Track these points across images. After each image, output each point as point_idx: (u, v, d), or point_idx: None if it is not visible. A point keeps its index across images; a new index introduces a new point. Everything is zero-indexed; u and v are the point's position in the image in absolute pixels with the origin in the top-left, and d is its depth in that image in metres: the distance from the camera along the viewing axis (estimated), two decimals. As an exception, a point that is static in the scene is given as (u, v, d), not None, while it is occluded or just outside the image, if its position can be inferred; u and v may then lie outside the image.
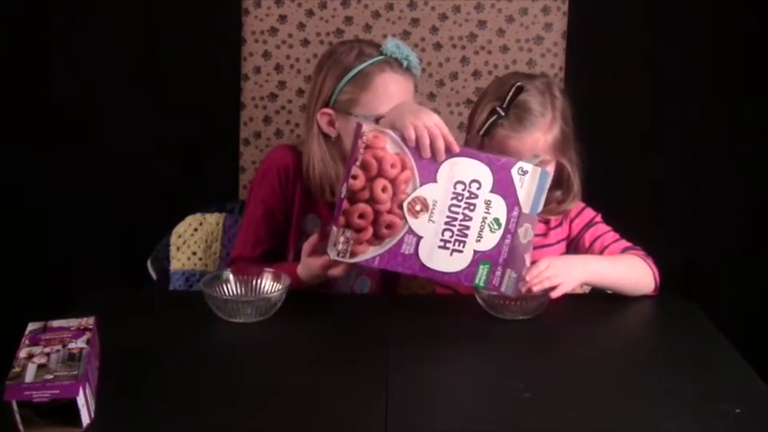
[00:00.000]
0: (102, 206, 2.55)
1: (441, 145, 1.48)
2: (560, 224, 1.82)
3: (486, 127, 1.67)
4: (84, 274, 2.51)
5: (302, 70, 2.47)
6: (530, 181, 1.50)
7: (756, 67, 2.45)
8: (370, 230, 1.50)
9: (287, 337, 1.53)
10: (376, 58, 1.75)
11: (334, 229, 1.50)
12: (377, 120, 1.71)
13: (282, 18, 2.46)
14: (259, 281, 1.64)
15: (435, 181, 1.49)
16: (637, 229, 2.56)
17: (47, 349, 1.24)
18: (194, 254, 2.03)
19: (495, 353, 1.48)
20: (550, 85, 1.75)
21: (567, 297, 1.84)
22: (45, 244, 2.59)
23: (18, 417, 1.15)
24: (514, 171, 1.50)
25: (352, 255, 1.51)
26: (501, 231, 1.50)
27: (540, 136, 1.68)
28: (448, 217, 1.49)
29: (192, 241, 2.03)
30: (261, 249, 1.83)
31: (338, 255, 1.51)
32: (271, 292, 1.61)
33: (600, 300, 1.86)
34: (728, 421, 1.22)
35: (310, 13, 2.45)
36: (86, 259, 2.57)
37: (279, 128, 2.53)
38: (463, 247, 1.50)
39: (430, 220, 1.49)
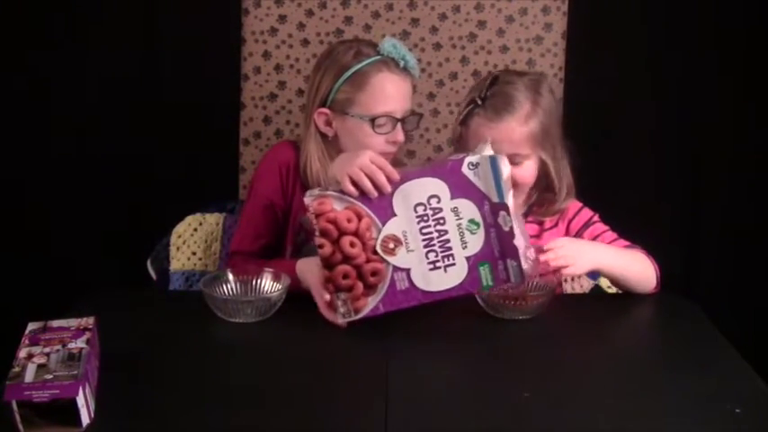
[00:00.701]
0: (103, 206, 2.55)
1: (382, 179, 1.49)
2: (556, 225, 1.82)
3: (462, 116, 1.71)
4: (84, 274, 2.51)
5: (302, 70, 2.47)
6: (484, 171, 1.48)
7: (757, 67, 2.45)
8: (360, 285, 1.51)
9: (287, 336, 1.53)
10: (373, 58, 1.75)
11: (332, 297, 1.53)
12: (372, 120, 1.73)
13: (282, 18, 2.46)
14: (259, 281, 1.64)
15: (395, 215, 1.50)
16: (637, 229, 2.56)
17: (47, 349, 1.24)
18: (194, 254, 2.03)
19: (494, 353, 1.48)
20: (538, 83, 1.75)
21: (568, 297, 1.85)
22: (45, 244, 2.59)
23: (18, 417, 1.15)
24: (465, 169, 1.49)
25: (356, 311, 1.52)
26: (482, 229, 1.49)
27: (516, 126, 1.68)
28: (424, 240, 1.49)
29: (191, 241, 2.03)
30: (260, 244, 1.83)
31: (344, 317, 1.53)
32: (271, 292, 1.61)
33: (600, 300, 1.87)
34: (728, 421, 1.22)
35: (310, 13, 2.45)
36: (86, 259, 2.57)
37: (279, 128, 2.53)
38: (453, 259, 1.49)
39: (408, 251, 1.50)
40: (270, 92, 2.51)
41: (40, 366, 1.20)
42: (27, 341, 1.27)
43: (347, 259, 1.50)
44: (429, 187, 1.49)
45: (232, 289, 1.63)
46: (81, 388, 1.16)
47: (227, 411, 1.24)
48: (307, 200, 1.53)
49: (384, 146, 1.74)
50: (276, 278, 1.63)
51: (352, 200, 1.51)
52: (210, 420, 1.22)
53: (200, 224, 2.05)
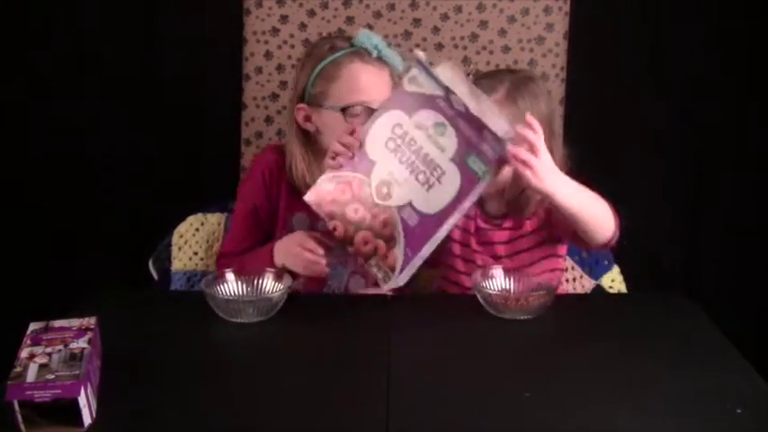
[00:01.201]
0: (104, 206, 2.55)
1: (350, 140, 1.57)
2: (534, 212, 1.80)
3: None
4: (86, 274, 2.51)
5: (303, 70, 2.47)
6: (421, 76, 1.52)
7: (759, 67, 2.45)
8: (381, 243, 1.54)
9: (288, 337, 1.53)
10: (344, 51, 1.76)
11: (368, 269, 1.57)
12: (344, 109, 1.74)
13: (284, 18, 2.46)
14: (260, 281, 1.64)
15: (374, 162, 1.55)
16: (637, 229, 2.56)
17: (48, 349, 1.24)
18: (196, 254, 2.03)
19: (495, 353, 1.48)
20: (523, 82, 1.73)
21: (568, 297, 1.85)
22: (46, 244, 2.59)
23: (19, 417, 1.15)
24: (407, 87, 1.54)
25: (392, 269, 1.54)
26: (448, 126, 1.50)
27: None
28: (407, 168, 1.52)
29: (193, 241, 2.04)
30: (244, 246, 1.86)
31: (386, 282, 1.55)
32: (272, 292, 1.61)
33: (600, 300, 1.87)
34: (729, 421, 1.22)
35: (312, 13, 2.45)
36: (88, 259, 2.57)
37: (280, 128, 2.52)
38: (441, 168, 1.50)
39: (400, 185, 1.53)
40: (271, 92, 2.51)
41: (42, 366, 1.20)
42: (29, 341, 1.27)
43: (358, 227, 1.54)
44: (389, 122, 1.54)
45: (234, 289, 1.63)
46: (83, 388, 1.16)
47: (228, 411, 1.24)
48: (307, 198, 1.59)
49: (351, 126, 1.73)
50: (277, 278, 1.63)
51: (338, 174, 1.57)
52: (211, 420, 1.22)
53: (202, 224, 2.05)
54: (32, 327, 1.32)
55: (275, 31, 2.47)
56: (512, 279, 1.68)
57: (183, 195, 2.29)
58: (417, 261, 1.53)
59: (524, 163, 1.47)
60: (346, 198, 1.57)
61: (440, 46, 2.45)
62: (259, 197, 1.87)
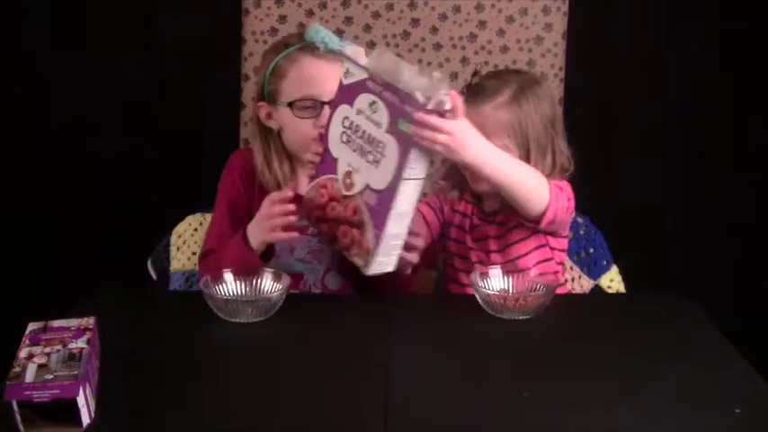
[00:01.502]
0: (103, 206, 2.55)
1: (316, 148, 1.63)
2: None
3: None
4: (85, 274, 2.51)
5: (302, 70, 2.47)
6: (351, 68, 1.59)
7: (758, 66, 2.45)
8: (354, 230, 1.57)
9: (287, 337, 1.53)
10: (294, 47, 1.78)
11: (352, 260, 1.61)
12: (291, 104, 1.76)
13: (282, 18, 2.46)
14: (259, 281, 1.64)
15: (337, 158, 1.60)
16: (637, 229, 2.57)
17: (47, 349, 1.24)
18: (194, 254, 2.03)
19: (494, 353, 1.48)
20: (529, 83, 1.74)
21: (568, 297, 1.85)
22: (45, 244, 2.59)
23: (18, 417, 1.15)
24: (345, 81, 1.59)
25: (368, 253, 1.56)
26: (378, 101, 1.53)
27: (489, 113, 1.69)
28: (359, 153, 1.56)
29: (192, 241, 2.03)
30: (224, 241, 1.83)
31: (366, 269, 1.58)
32: (271, 292, 1.61)
33: (600, 300, 1.87)
34: (729, 421, 1.22)
35: (310, 13, 2.45)
36: (87, 259, 2.57)
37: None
38: (382, 143, 1.52)
39: (358, 173, 1.56)
40: (270, 92, 2.51)
41: (41, 366, 1.19)
42: (27, 341, 1.27)
43: (338, 222, 1.58)
44: (339, 117, 1.60)
45: (232, 289, 1.63)
46: (81, 388, 1.16)
47: (227, 411, 1.24)
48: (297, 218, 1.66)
49: (316, 130, 1.72)
50: (276, 278, 1.63)
51: (315, 181, 1.63)
52: (210, 420, 1.22)
53: (201, 224, 2.05)
54: (31, 327, 1.32)
55: (274, 31, 2.47)
56: (510, 279, 1.68)
57: (182, 195, 2.29)
58: (389, 239, 1.54)
59: (432, 141, 1.47)
60: (325, 200, 1.61)
61: (438, 46, 2.45)
62: (238, 194, 1.87)
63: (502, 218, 1.80)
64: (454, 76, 2.47)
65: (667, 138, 2.52)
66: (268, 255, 1.76)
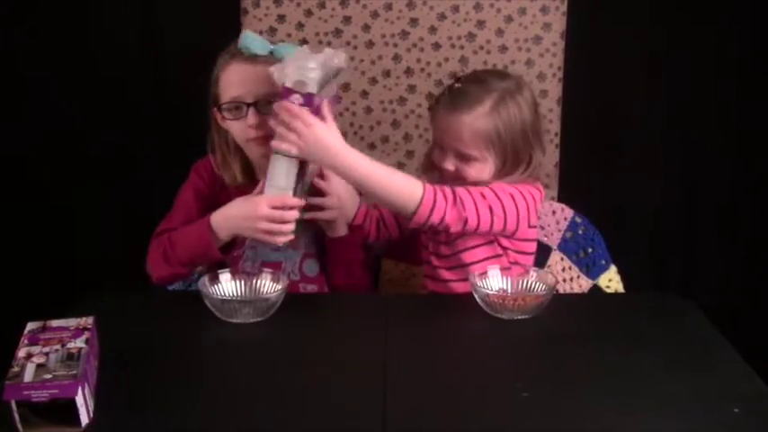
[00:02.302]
0: (102, 206, 2.55)
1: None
2: None
3: (435, 98, 1.79)
4: (84, 274, 2.51)
5: (301, 70, 2.47)
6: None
7: (757, 66, 2.45)
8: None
9: (286, 337, 1.53)
10: (225, 55, 1.82)
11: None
12: (219, 106, 1.81)
13: (281, 18, 2.46)
14: (257, 281, 1.64)
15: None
16: (636, 229, 2.57)
17: (46, 349, 1.24)
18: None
19: (493, 353, 1.48)
20: (510, 91, 1.73)
21: (567, 297, 1.85)
22: (45, 244, 2.59)
23: (17, 416, 1.15)
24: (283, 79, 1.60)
25: None
26: None
27: (466, 122, 1.69)
28: None
29: (190, 241, 2.03)
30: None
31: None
32: (269, 292, 1.61)
33: (600, 300, 1.87)
34: (727, 421, 1.22)
35: (309, 12, 2.45)
36: (86, 259, 2.57)
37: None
38: None
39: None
40: (269, 91, 2.52)
41: (39, 366, 1.20)
42: (26, 341, 1.27)
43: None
44: None
45: (230, 289, 1.63)
46: (80, 388, 1.16)
47: (226, 411, 1.24)
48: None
49: (247, 132, 1.77)
50: (275, 279, 1.63)
51: None
52: (209, 420, 1.22)
53: (200, 224, 2.05)
54: (30, 326, 1.32)
55: (272, 30, 2.47)
56: (509, 279, 1.68)
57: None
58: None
59: (286, 127, 1.56)
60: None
61: (437, 45, 2.46)
62: (202, 189, 1.91)
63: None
64: (453, 75, 2.47)
65: (666, 137, 2.53)
66: (227, 248, 1.78)
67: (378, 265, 2.07)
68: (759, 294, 2.58)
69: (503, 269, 1.69)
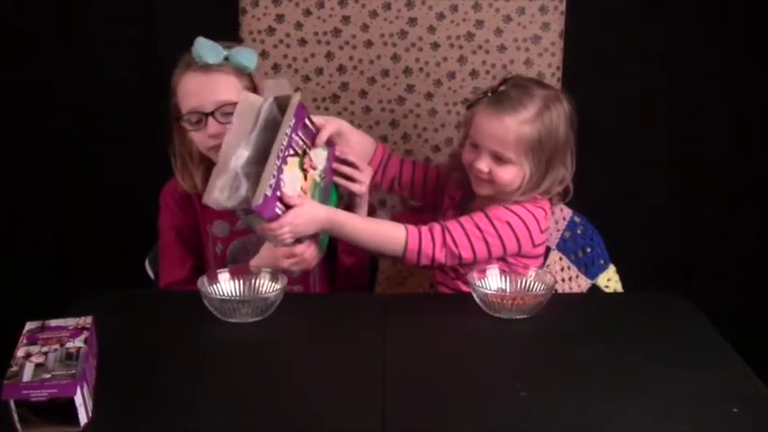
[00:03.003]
0: (102, 206, 2.55)
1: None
2: None
3: (472, 101, 1.78)
4: (83, 274, 2.51)
5: (299, 70, 2.47)
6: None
7: (757, 67, 2.45)
8: None
9: (285, 336, 1.54)
10: (181, 65, 1.81)
11: None
12: (179, 117, 1.82)
13: (280, 17, 2.46)
14: (256, 281, 1.64)
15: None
16: (636, 229, 2.57)
17: (44, 348, 1.24)
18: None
19: (492, 352, 1.48)
20: (552, 100, 1.75)
21: (567, 297, 1.85)
22: (45, 244, 2.59)
23: (16, 416, 1.15)
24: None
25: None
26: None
27: (511, 126, 1.70)
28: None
29: (189, 241, 2.03)
30: (188, 266, 1.89)
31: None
32: (268, 291, 1.61)
33: (599, 300, 1.87)
34: (727, 421, 1.23)
35: (308, 12, 2.45)
36: (85, 259, 2.57)
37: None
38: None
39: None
40: (268, 91, 2.51)
41: (38, 366, 1.20)
42: (25, 340, 1.27)
43: None
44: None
45: (229, 289, 1.63)
46: (79, 387, 1.16)
47: (226, 411, 1.24)
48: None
49: (208, 141, 1.78)
50: (273, 278, 1.63)
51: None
52: (209, 420, 1.22)
53: (199, 224, 2.05)
54: (29, 326, 1.32)
55: (271, 30, 2.47)
56: (508, 279, 1.68)
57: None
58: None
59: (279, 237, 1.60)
60: None
61: (435, 45, 2.45)
62: (180, 218, 1.91)
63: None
64: (452, 75, 2.47)
65: (666, 137, 2.52)
66: None
67: (375, 265, 2.07)
68: (759, 294, 2.58)
69: (502, 269, 1.69)
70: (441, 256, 1.70)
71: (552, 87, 1.81)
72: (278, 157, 1.52)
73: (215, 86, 1.76)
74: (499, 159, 1.72)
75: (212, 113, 1.75)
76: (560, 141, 1.75)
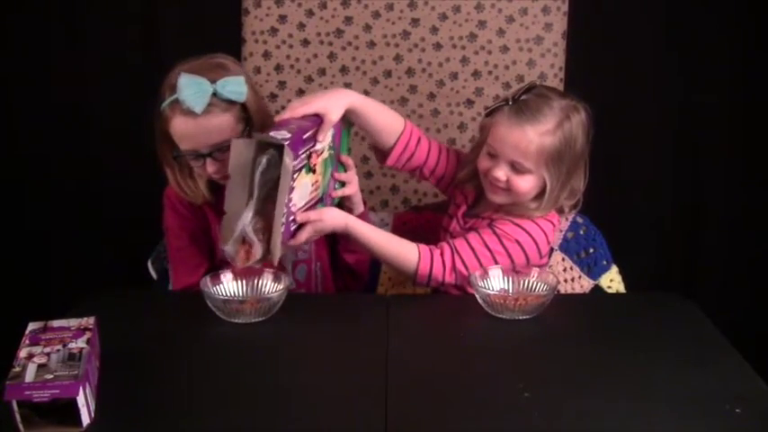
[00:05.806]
0: (103, 206, 2.56)
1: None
2: None
3: (490, 109, 1.76)
4: (85, 274, 2.51)
5: (302, 70, 2.47)
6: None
7: (757, 67, 2.45)
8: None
9: (287, 337, 1.53)
10: (168, 100, 1.71)
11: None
12: (177, 156, 1.74)
13: (282, 18, 2.46)
14: (259, 281, 1.64)
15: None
16: (636, 229, 2.57)
17: (47, 349, 1.24)
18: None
19: (494, 353, 1.48)
20: (572, 111, 1.74)
21: (568, 297, 1.85)
22: (46, 244, 2.59)
23: (18, 416, 1.15)
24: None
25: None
26: None
27: (532, 137, 1.68)
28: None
29: (191, 241, 2.03)
30: (201, 271, 1.83)
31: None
32: (271, 292, 1.61)
33: (600, 300, 1.87)
34: (728, 421, 1.23)
35: (310, 13, 2.45)
36: (87, 259, 2.57)
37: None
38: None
39: None
40: (270, 92, 2.51)
41: (41, 366, 1.20)
42: (27, 341, 1.27)
43: None
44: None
45: (232, 289, 1.63)
46: (81, 388, 1.16)
47: (227, 411, 1.24)
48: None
49: (208, 174, 1.74)
50: (276, 279, 1.63)
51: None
52: (210, 420, 1.22)
53: (201, 224, 2.05)
54: (31, 327, 1.32)
55: (274, 31, 2.47)
56: (510, 279, 1.68)
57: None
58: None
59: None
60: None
61: (438, 46, 2.45)
62: (189, 221, 1.87)
63: (470, 222, 1.82)
64: (454, 75, 2.47)
65: (667, 138, 2.52)
66: None
67: (377, 265, 2.07)
68: (760, 295, 2.58)
69: (504, 270, 1.69)
70: (450, 279, 1.71)
71: (571, 97, 1.79)
72: (283, 213, 1.54)
73: (208, 131, 1.70)
74: (517, 169, 1.71)
75: (209, 154, 1.71)
76: (578, 152, 1.75)
